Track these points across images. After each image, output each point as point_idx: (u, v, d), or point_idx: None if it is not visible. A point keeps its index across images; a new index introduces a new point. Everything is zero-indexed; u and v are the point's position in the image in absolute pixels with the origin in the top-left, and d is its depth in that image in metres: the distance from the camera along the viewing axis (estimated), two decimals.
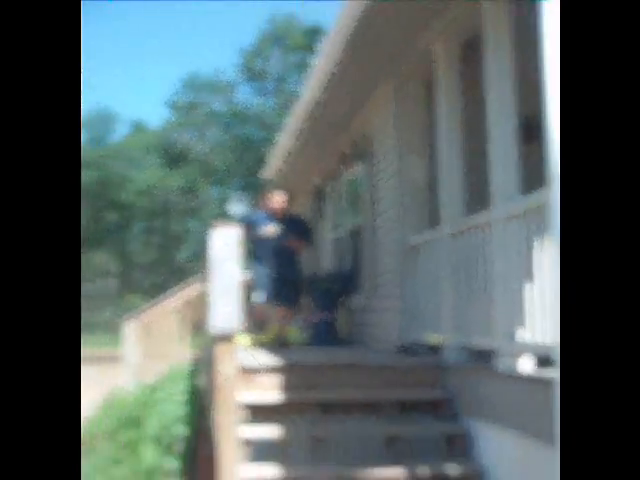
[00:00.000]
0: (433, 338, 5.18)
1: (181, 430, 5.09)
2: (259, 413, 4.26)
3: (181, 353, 9.01)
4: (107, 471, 4.72)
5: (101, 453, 5.05)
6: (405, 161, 5.77)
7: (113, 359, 9.32)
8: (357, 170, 7.20)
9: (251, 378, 4.44)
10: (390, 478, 3.96)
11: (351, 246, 7.84)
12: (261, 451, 4.10)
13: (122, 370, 8.59)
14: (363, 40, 5.17)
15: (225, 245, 4.30)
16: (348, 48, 5.32)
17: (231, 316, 4.00)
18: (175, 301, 9.79)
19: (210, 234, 4.26)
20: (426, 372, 4.80)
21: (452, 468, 4.02)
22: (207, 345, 7.84)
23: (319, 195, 9.33)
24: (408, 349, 5.42)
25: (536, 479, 3.42)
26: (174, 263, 29.01)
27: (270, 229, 6.16)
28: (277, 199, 6.31)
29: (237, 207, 17.47)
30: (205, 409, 5.12)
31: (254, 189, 21.95)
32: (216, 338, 3.99)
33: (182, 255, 28.56)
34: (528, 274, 3.63)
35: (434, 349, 5.13)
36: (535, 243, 3.57)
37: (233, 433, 3.88)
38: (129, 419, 5.34)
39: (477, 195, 4.64)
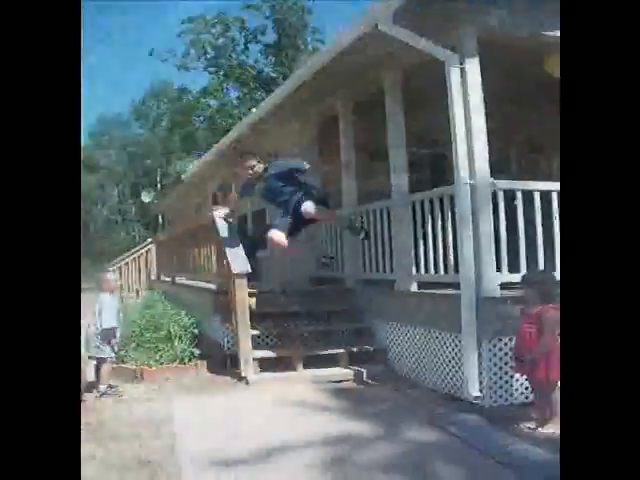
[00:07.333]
0: (335, 274, 8.19)
1: (196, 331, 7.54)
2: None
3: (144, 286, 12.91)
4: (153, 355, 7.01)
5: (142, 345, 7.25)
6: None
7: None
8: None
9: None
10: (330, 354, 6.85)
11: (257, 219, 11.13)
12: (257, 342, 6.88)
13: None
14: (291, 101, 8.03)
15: (222, 219, 7.00)
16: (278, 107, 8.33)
17: (243, 262, 6.65)
18: (137, 253, 14.24)
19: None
20: (338, 293, 7.81)
21: (366, 348, 7.04)
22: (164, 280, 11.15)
23: (224, 189, 12.79)
24: (319, 280, 8.43)
25: (413, 348, 6.50)
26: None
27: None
28: (247, 164, 6.33)
29: (146, 196, 28.31)
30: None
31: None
32: (236, 275, 6.60)
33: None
34: (414, 236, 6.62)
35: (337, 280, 8.14)
36: (417, 220, 6.56)
37: (248, 329, 6.57)
38: (147, 326, 7.56)
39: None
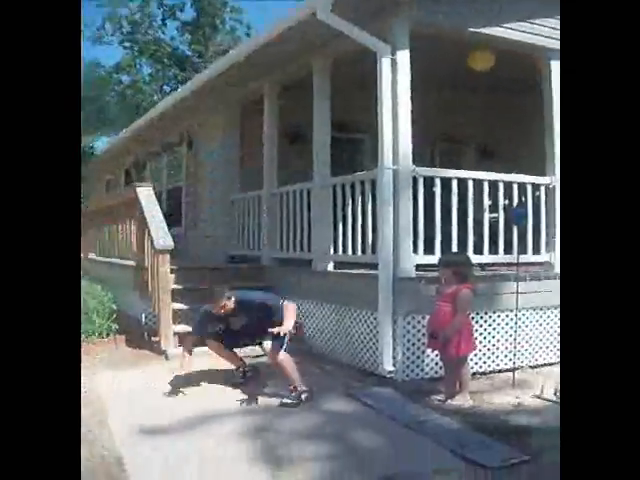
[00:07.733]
0: (251, 253, 8.34)
1: (114, 307, 7.53)
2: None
3: None
4: None
5: None
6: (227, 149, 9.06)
7: None
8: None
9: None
10: None
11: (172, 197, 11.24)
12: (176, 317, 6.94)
13: None
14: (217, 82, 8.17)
15: (148, 197, 7.04)
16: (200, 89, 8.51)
17: (167, 238, 6.71)
18: None
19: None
20: (255, 271, 7.96)
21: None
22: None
23: (139, 166, 13.21)
24: (236, 259, 8.54)
25: (329, 325, 6.75)
26: None
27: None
28: (219, 303, 5.63)
29: None
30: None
31: None
32: (159, 251, 6.65)
33: None
34: (334, 218, 6.83)
35: (254, 259, 8.29)
36: (337, 203, 6.76)
37: (169, 304, 6.64)
38: None
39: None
